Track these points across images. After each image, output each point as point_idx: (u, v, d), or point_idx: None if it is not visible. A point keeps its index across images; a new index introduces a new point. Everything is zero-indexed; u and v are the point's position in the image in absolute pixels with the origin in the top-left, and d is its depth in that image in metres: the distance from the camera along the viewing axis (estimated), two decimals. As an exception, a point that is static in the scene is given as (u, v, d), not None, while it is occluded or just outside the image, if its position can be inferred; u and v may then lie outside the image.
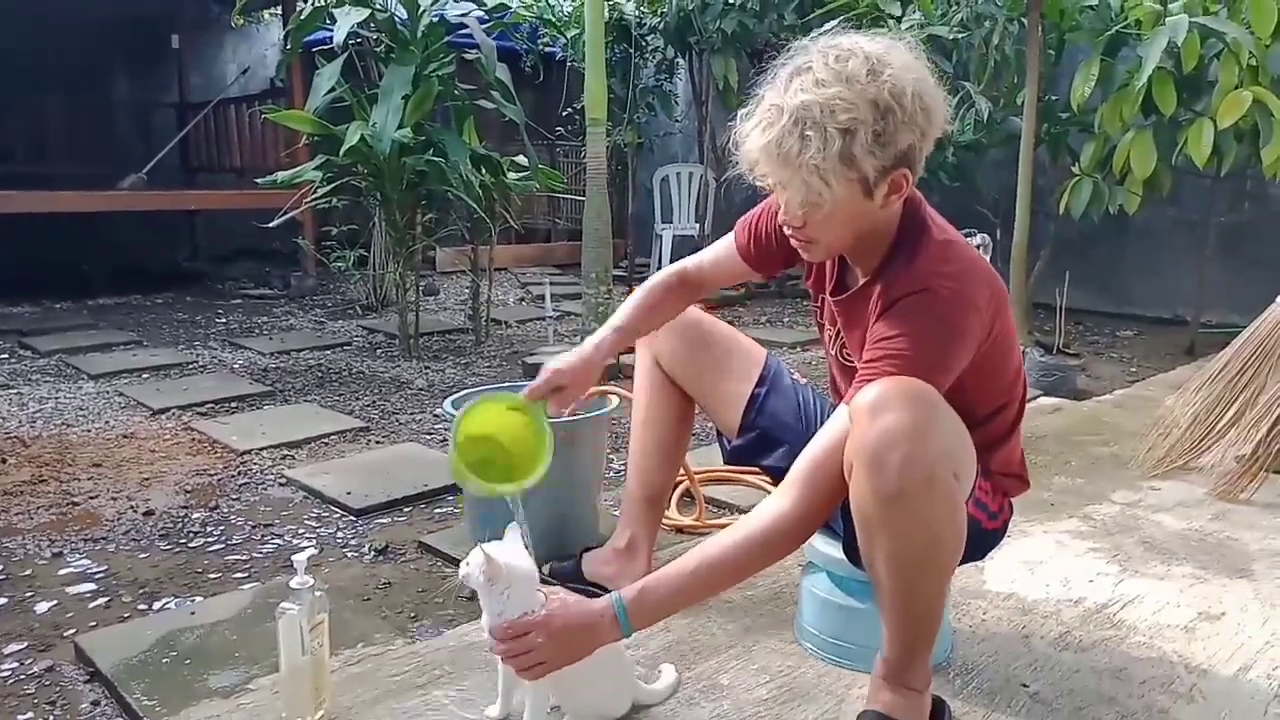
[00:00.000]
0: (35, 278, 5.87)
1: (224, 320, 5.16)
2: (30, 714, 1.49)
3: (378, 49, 4.39)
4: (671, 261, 5.99)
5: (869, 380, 1.21)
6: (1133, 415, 3.17)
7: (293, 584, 1.35)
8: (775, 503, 1.26)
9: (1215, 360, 2.50)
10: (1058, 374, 3.55)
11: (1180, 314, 5.12)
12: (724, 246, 1.63)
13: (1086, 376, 3.86)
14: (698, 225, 6.55)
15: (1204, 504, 2.34)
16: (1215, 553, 2.04)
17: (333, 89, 3.85)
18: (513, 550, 1.31)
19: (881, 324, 1.26)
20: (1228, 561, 1.99)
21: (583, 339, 4.32)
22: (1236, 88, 3.55)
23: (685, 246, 6.68)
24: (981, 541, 1.42)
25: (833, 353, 1.52)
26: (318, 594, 1.37)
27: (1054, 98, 4.73)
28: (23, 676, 1.60)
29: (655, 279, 1.69)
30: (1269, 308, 2.41)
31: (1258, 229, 4.96)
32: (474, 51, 4.18)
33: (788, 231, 1.33)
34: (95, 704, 1.52)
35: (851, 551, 1.36)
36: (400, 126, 3.72)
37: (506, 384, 2.48)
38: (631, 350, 1.78)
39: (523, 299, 6.13)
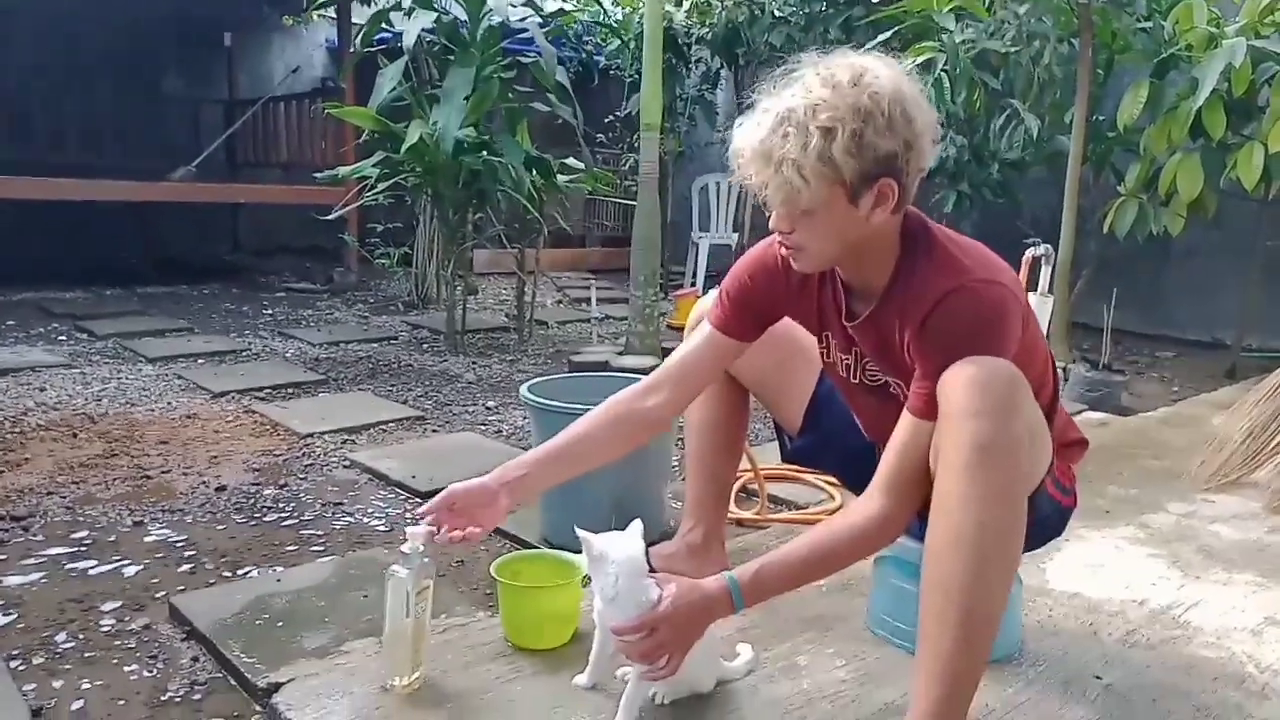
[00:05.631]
0: (85, 265, 6.00)
1: (270, 312, 5.25)
2: (135, 666, 1.55)
3: (433, 50, 4.49)
4: (708, 268, 5.97)
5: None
6: (1180, 432, 3.19)
7: (404, 549, 1.41)
8: (870, 504, 1.31)
9: (1272, 376, 2.52)
10: (1103, 389, 3.57)
11: (1219, 337, 5.12)
12: (695, 340, 1.54)
13: (1129, 394, 3.88)
14: (735, 235, 6.61)
15: (1259, 517, 2.36)
16: (1276, 563, 2.06)
17: (394, 88, 3.94)
18: (626, 540, 1.36)
19: (928, 339, 1.26)
20: (1289, 572, 2.01)
21: (626, 340, 4.37)
22: (1289, 112, 3.58)
23: (722, 255, 6.75)
24: (1060, 519, 1.47)
25: (855, 381, 1.50)
26: (425, 560, 1.42)
27: (1100, 117, 4.75)
28: (122, 632, 1.66)
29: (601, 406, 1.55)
30: (1328, 326, 2.43)
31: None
32: (529, 56, 4.28)
33: (779, 239, 1.34)
34: (195, 660, 1.57)
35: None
36: (461, 127, 3.79)
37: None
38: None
39: (560, 301, 6.20)
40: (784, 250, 1.37)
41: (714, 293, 1.72)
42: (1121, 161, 4.62)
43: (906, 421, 1.30)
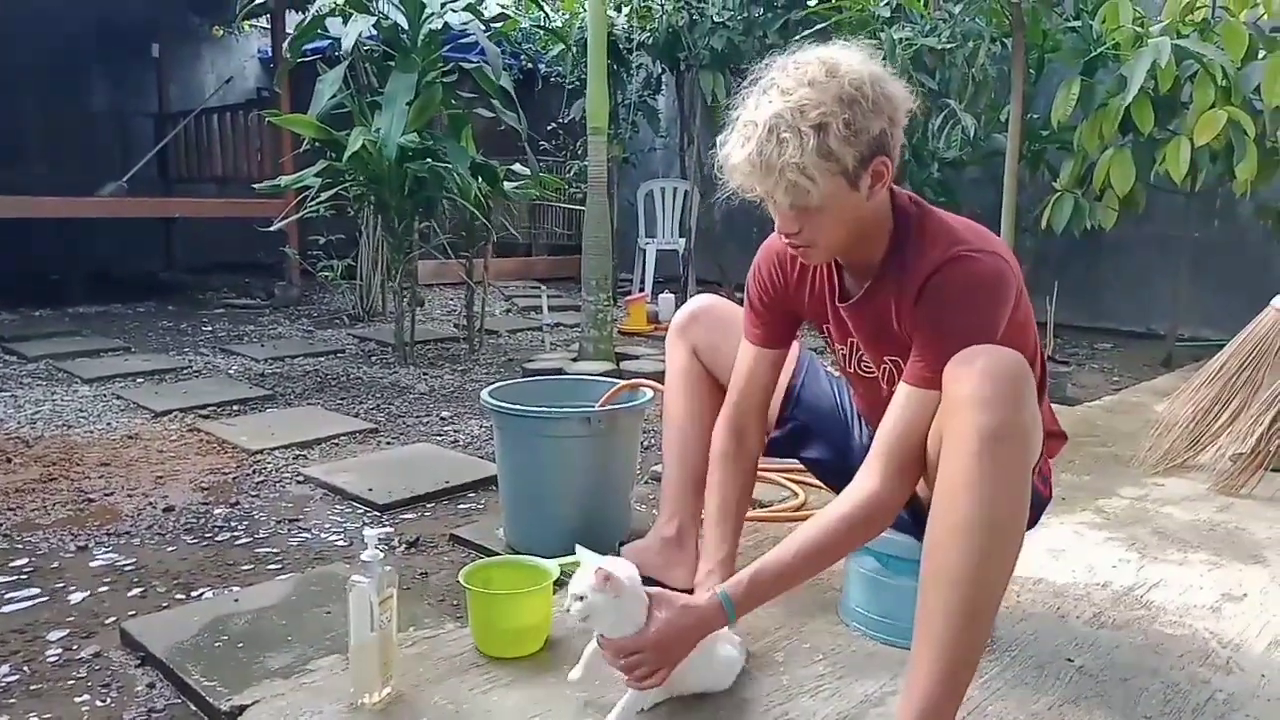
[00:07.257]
0: (11, 285, 5.77)
1: (210, 329, 5.10)
2: (86, 696, 1.48)
3: (373, 56, 4.42)
4: (655, 274, 5.98)
5: (933, 362, 1.24)
6: (1125, 419, 3.27)
7: (364, 557, 1.37)
8: (864, 485, 1.31)
9: (1214, 360, 2.60)
10: (1049, 381, 3.63)
11: (1153, 328, 5.28)
12: (741, 363, 1.60)
13: (1073, 385, 3.97)
14: (681, 240, 6.62)
15: (1208, 498, 2.43)
16: (1227, 541, 2.12)
17: (334, 95, 3.86)
18: (619, 564, 1.33)
19: (924, 308, 1.29)
20: (1241, 549, 2.07)
21: (580, 345, 4.34)
22: (1211, 107, 3.70)
23: (669, 261, 6.76)
24: (1039, 511, 1.48)
25: (850, 369, 1.54)
26: (386, 569, 1.38)
27: (1034, 116, 4.87)
28: (70, 661, 1.58)
29: (714, 458, 1.63)
30: (1265, 309, 2.51)
31: (1228, 245, 5.15)
32: (470, 62, 4.23)
33: (784, 241, 1.35)
34: (151, 686, 1.50)
35: (915, 524, 1.40)
36: (403, 133, 3.73)
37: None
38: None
39: (509, 310, 6.14)
40: (792, 250, 1.37)
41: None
42: (1055, 159, 4.74)
43: (902, 394, 1.30)
